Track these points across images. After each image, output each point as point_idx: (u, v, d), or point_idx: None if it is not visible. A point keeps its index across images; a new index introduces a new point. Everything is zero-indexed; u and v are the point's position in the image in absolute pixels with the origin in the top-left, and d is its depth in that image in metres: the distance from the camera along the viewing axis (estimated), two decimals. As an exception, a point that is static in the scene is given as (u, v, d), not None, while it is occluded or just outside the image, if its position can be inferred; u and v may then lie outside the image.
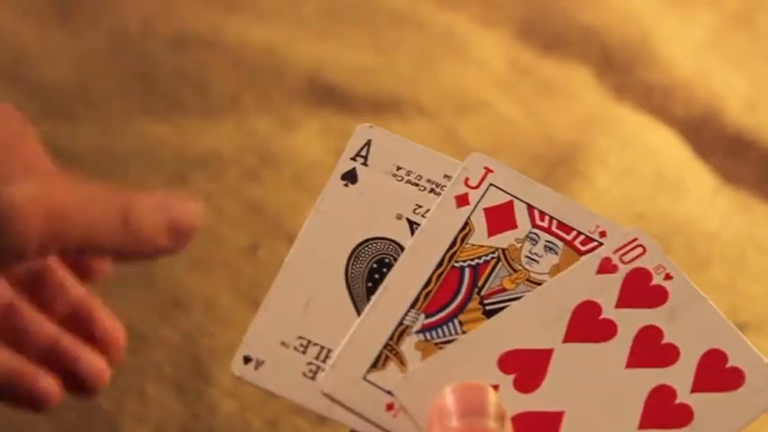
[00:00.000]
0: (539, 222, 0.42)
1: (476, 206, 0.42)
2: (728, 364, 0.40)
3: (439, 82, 0.89)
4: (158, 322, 0.71)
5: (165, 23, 0.92)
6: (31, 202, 0.42)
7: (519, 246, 0.42)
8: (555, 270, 0.41)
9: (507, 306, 0.40)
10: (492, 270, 0.41)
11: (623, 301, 0.40)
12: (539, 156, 0.83)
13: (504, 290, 0.41)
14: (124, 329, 0.54)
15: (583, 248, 0.42)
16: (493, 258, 0.41)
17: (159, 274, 0.74)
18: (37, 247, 0.43)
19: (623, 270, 0.41)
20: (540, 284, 0.41)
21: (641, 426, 0.38)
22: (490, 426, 0.36)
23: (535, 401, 0.38)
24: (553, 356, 0.39)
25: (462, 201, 0.42)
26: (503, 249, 0.41)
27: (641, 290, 0.40)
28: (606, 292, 0.40)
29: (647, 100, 0.88)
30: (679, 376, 0.39)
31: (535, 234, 0.42)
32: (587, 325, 0.40)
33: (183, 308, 0.72)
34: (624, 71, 0.91)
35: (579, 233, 0.42)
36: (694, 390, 0.39)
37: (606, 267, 0.41)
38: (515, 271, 0.41)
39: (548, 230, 0.42)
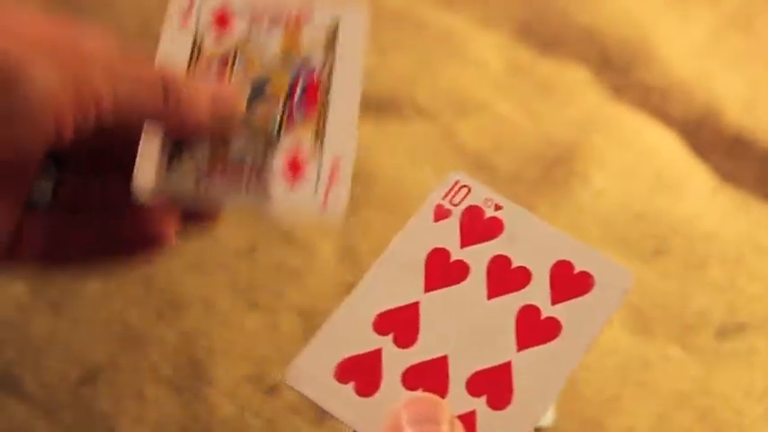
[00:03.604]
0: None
1: (198, 19, 0.47)
2: (576, 270, 0.43)
3: (438, 82, 0.89)
4: (156, 323, 0.71)
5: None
6: (58, 85, 0.41)
7: (248, 41, 0.47)
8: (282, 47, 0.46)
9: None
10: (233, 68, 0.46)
11: (466, 240, 0.43)
12: (537, 156, 0.83)
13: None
14: None
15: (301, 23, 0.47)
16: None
17: (157, 275, 0.74)
18: (72, 128, 0.42)
19: (457, 212, 0.44)
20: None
21: (519, 347, 0.41)
22: (444, 429, 0.38)
23: (418, 353, 0.41)
24: (421, 307, 0.42)
25: (185, 22, 0.47)
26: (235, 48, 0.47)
27: (479, 225, 0.44)
28: (449, 236, 0.44)
29: (645, 100, 0.88)
30: (537, 293, 0.42)
31: (257, 29, 0.47)
32: (441, 271, 0.43)
33: (182, 309, 0.72)
34: (623, 71, 0.91)
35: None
36: (554, 302, 0.42)
37: (441, 213, 0.44)
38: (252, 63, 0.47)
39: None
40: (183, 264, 0.74)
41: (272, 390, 0.68)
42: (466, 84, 0.89)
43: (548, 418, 0.65)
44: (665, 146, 0.84)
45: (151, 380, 0.68)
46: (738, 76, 0.89)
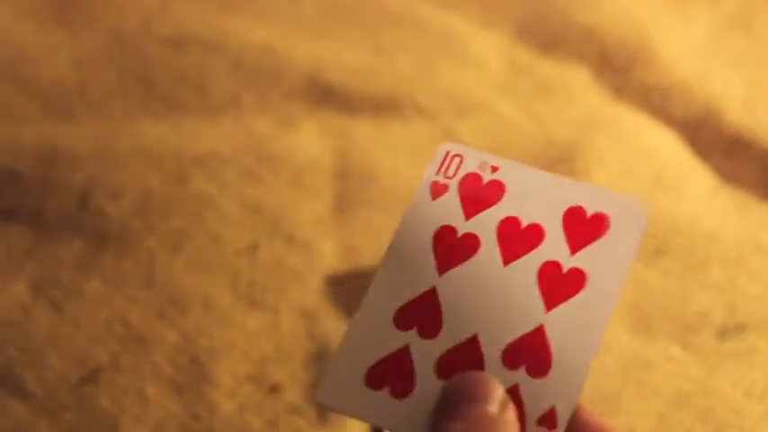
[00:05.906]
0: None
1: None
2: (588, 214, 0.40)
3: (438, 82, 0.89)
4: (158, 322, 0.71)
5: (165, 24, 0.92)
6: None
7: None
8: None
9: None
10: None
11: (470, 211, 0.41)
12: (538, 155, 0.83)
13: None
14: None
15: None
16: None
17: (159, 275, 0.74)
18: None
19: (453, 184, 0.42)
20: None
21: (548, 308, 0.39)
22: (491, 411, 0.36)
23: (446, 340, 0.39)
24: (438, 292, 0.40)
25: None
26: None
27: (479, 192, 0.42)
28: (451, 211, 0.41)
29: (645, 100, 0.88)
30: (554, 247, 0.40)
31: None
32: (451, 249, 0.41)
33: (183, 308, 0.72)
34: (623, 71, 0.91)
35: None
36: (573, 251, 0.40)
37: (438, 190, 0.42)
38: None
39: None
40: (184, 263, 0.74)
41: (273, 389, 0.68)
42: (466, 84, 0.89)
43: None
44: (665, 146, 0.84)
45: (152, 379, 0.68)
46: (738, 76, 0.89)
